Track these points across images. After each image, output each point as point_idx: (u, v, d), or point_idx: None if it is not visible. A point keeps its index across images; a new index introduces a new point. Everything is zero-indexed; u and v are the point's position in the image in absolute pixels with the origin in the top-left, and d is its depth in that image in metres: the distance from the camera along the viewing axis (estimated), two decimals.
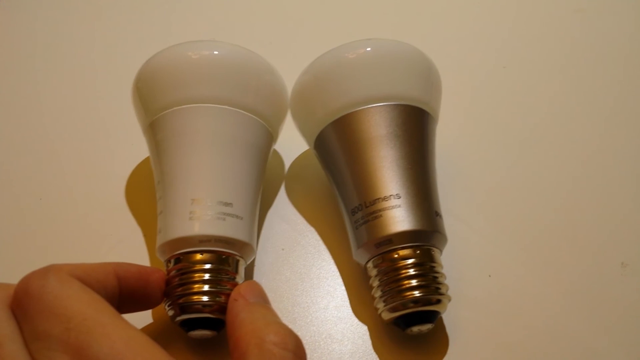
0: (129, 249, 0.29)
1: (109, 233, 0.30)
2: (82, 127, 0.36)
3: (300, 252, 0.30)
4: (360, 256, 0.26)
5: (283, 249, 0.30)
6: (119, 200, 0.32)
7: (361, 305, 0.27)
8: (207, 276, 0.23)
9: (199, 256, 0.24)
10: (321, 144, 0.29)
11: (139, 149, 0.31)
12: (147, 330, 0.26)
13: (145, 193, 0.31)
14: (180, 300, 0.23)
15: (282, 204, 0.32)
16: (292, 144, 0.34)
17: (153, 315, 0.26)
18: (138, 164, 0.33)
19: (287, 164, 0.34)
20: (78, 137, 0.35)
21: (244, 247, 0.25)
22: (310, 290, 0.28)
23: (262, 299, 0.22)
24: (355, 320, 0.27)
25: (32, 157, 0.34)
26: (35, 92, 0.39)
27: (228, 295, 0.23)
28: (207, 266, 0.23)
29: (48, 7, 0.47)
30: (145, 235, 0.30)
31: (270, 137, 0.29)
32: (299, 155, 0.34)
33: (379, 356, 0.26)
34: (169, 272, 0.24)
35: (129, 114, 0.30)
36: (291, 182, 0.33)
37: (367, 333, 0.26)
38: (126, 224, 0.30)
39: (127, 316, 0.22)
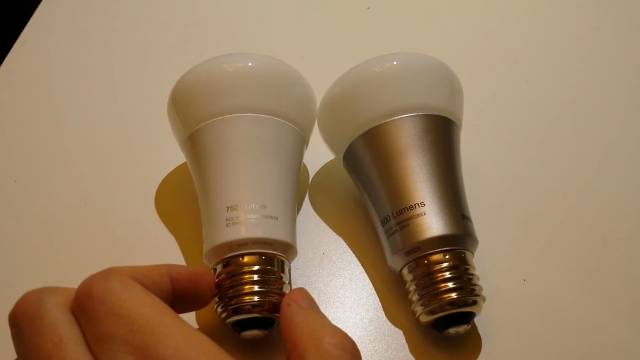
0: (170, 252, 0.30)
1: (151, 236, 0.31)
2: (126, 136, 0.37)
3: (331, 259, 0.30)
4: (394, 263, 0.27)
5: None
6: (160, 204, 0.32)
7: (394, 310, 0.28)
8: (255, 277, 0.24)
9: (243, 259, 0.24)
10: (351, 157, 0.30)
11: (180, 155, 0.32)
12: None
13: (186, 198, 0.32)
14: (232, 302, 0.24)
15: (307, 212, 0.32)
16: (315, 154, 0.34)
17: (197, 320, 0.27)
18: (178, 171, 0.34)
19: (311, 174, 0.35)
20: (121, 146, 0.36)
21: (283, 246, 0.25)
22: (342, 297, 0.29)
23: (313, 305, 0.23)
24: (391, 326, 0.27)
25: (77, 165, 0.35)
26: (84, 107, 0.40)
27: (276, 294, 0.24)
28: (255, 268, 0.24)
29: (80, 18, 0.48)
30: (189, 239, 0.30)
31: (302, 141, 0.30)
32: (323, 166, 0.35)
33: (416, 358, 0.26)
34: (218, 275, 0.25)
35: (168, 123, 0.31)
36: (315, 191, 0.34)
37: (403, 337, 0.27)
38: (168, 227, 0.31)
39: None
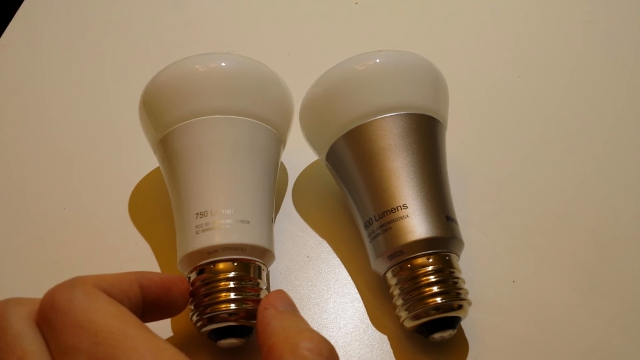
0: (148, 258, 0.29)
1: (130, 242, 0.30)
2: (105, 140, 0.36)
3: (315, 263, 0.29)
4: (378, 266, 0.26)
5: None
6: (142, 209, 0.32)
7: (379, 315, 0.27)
8: (231, 284, 0.23)
9: (215, 267, 0.24)
10: (333, 158, 0.29)
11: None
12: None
13: (167, 201, 0.31)
14: (208, 310, 0.23)
15: (290, 215, 0.32)
16: (298, 155, 0.34)
17: (173, 328, 0.26)
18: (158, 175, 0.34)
19: (294, 175, 0.34)
20: (100, 149, 0.36)
21: (258, 251, 0.25)
22: (325, 302, 0.28)
23: (291, 307, 0.22)
24: (376, 331, 0.27)
25: (57, 169, 0.35)
26: (62, 110, 0.39)
27: (253, 301, 0.23)
28: (230, 274, 0.23)
29: (61, 20, 0.47)
30: (169, 244, 0.30)
31: (278, 141, 0.29)
32: (306, 167, 0.34)
33: None
34: (192, 283, 0.24)
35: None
36: (298, 193, 0.33)
37: (388, 343, 0.26)
38: (148, 232, 0.30)
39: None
